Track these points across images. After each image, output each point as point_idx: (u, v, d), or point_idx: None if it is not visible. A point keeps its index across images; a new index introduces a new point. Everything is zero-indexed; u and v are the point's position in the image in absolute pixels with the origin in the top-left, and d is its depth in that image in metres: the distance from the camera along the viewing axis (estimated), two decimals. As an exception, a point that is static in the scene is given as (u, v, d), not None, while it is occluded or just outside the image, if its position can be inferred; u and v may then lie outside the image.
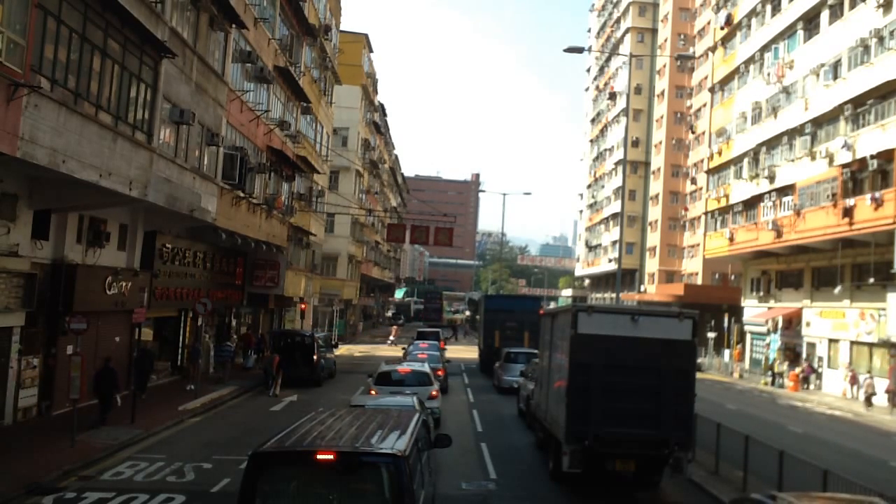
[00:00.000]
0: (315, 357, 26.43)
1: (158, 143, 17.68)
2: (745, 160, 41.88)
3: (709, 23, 61.09)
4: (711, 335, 46.44)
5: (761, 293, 43.14)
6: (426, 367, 20.79)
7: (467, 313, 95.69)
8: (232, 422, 18.83)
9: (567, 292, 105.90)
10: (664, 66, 73.18)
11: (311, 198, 39.40)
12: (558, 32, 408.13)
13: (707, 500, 13.16)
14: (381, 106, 71.44)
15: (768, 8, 40.93)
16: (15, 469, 12.32)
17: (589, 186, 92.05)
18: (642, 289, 73.01)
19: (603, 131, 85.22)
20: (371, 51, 60.44)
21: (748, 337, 45.20)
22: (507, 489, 13.02)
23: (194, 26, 20.47)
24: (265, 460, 6.72)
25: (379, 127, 68.81)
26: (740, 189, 42.29)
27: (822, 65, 34.17)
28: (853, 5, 32.48)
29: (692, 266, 65.28)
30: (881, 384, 30.84)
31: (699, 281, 62.80)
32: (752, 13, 42.77)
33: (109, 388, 16.56)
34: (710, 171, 48.37)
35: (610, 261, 77.15)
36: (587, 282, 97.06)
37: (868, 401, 30.33)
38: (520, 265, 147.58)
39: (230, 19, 22.70)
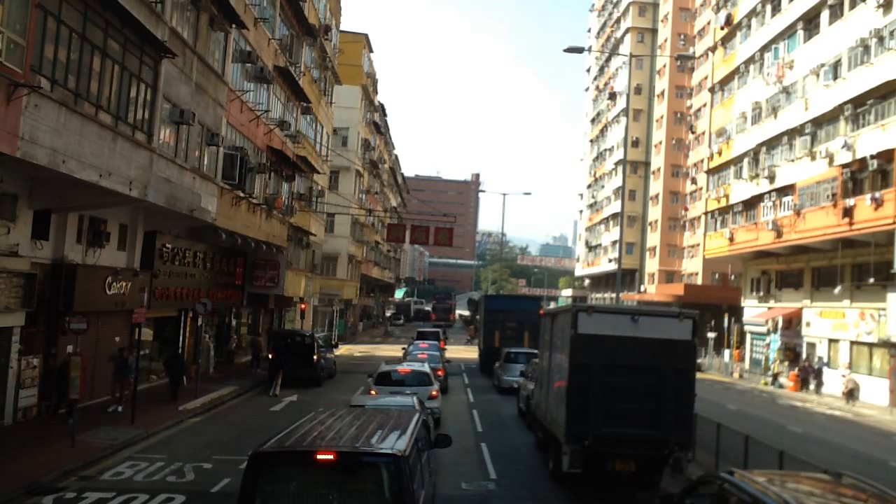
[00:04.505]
0: (315, 357, 26.43)
1: (158, 143, 17.68)
2: (745, 160, 41.87)
3: (709, 23, 61.09)
4: (711, 335, 46.41)
5: (761, 293, 43.13)
6: (426, 367, 20.80)
7: (461, 313, 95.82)
8: (232, 422, 18.83)
9: (567, 292, 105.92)
10: (664, 66, 73.18)
11: (311, 198, 39.41)
12: (557, 32, 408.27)
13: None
14: (381, 106, 71.44)
15: (768, 8, 40.92)
16: (15, 469, 12.32)
17: (589, 186, 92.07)
18: (642, 289, 73.01)
19: (603, 131, 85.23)
20: (371, 51, 60.46)
21: (748, 337, 45.18)
22: (507, 489, 13.01)
23: (194, 26, 20.47)
24: (265, 460, 6.72)
25: (379, 127, 68.82)
26: (740, 189, 42.29)
27: (822, 65, 34.16)
28: (853, 5, 32.47)
29: (692, 266, 65.29)
30: (865, 381, 31.33)
31: (699, 281, 62.80)
32: (752, 13, 42.76)
33: (179, 371, 20.82)
34: (710, 171, 48.36)
35: (610, 261, 77.16)
36: (587, 282, 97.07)
37: (849, 396, 30.55)
38: (520, 265, 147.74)
39: (230, 19, 22.70)
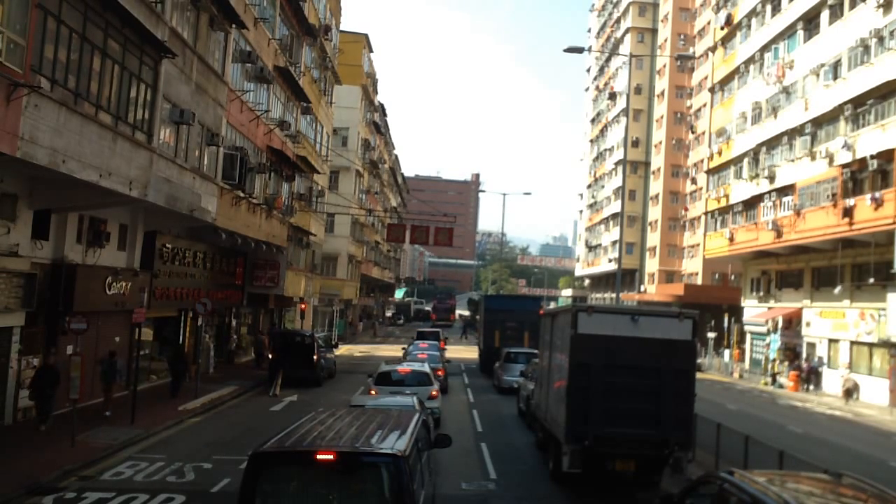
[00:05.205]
0: (315, 357, 26.43)
1: (158, 143, 17.67)
2: (745, 160, 41.87)
3: (709, 23, 61.09)
4: (711, 335, 46.41)
5: (761, 293, 43.12)
6: (426, 367, 20.80)
7: (461, 313, 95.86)
8: (232, 422, 18.83)
9: (567, 292, 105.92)
10: (664, 66, 73.17)
11: (311, 198, 39.40)
12: (557, 32, 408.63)
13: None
14: (381, 106, 71.44)
15: (768, 8, 40.91)
16: (15, 469, 12.32)
17: (589, 186, 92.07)
18: (642, 289, 73.01)
19: (603, 131, 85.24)
20: (371, 51, 60.45)
21: (748, 337, 45.18)
22: (507, 489, 13.02)
23: (194, 26, 20.46)
24: (265, 460, 6.72)
25: (379, 127, 68.81)
26: (740, 189, 42.28)
27: (822, 65, 34.16)
28: (853, 5, 32.46)
29: (692, 266, 65.28)
30: (865, 381, 31.47)
31: (699, 281, 62.79)
32: (752, 13, 42.75)
33: (182, 369, 21.56)
34: (710, 171, 48.36)
35: (610, 261, 77.16)
36: (587, 282, 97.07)
37: (848, 396, 30.55)
38: (520, 265, 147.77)
39: (230, 19, 22.70)
